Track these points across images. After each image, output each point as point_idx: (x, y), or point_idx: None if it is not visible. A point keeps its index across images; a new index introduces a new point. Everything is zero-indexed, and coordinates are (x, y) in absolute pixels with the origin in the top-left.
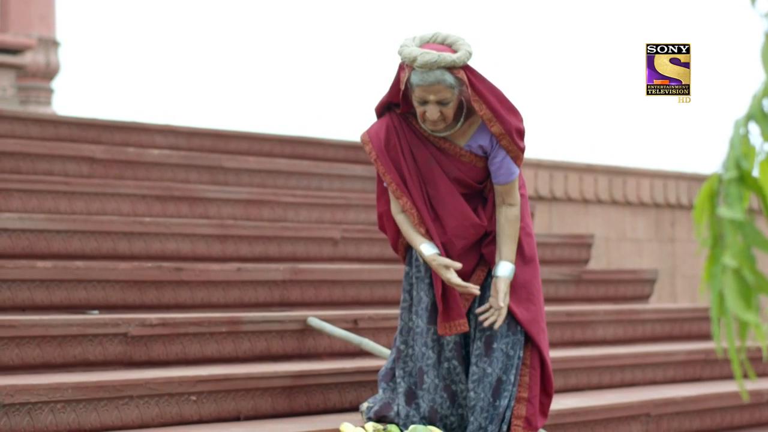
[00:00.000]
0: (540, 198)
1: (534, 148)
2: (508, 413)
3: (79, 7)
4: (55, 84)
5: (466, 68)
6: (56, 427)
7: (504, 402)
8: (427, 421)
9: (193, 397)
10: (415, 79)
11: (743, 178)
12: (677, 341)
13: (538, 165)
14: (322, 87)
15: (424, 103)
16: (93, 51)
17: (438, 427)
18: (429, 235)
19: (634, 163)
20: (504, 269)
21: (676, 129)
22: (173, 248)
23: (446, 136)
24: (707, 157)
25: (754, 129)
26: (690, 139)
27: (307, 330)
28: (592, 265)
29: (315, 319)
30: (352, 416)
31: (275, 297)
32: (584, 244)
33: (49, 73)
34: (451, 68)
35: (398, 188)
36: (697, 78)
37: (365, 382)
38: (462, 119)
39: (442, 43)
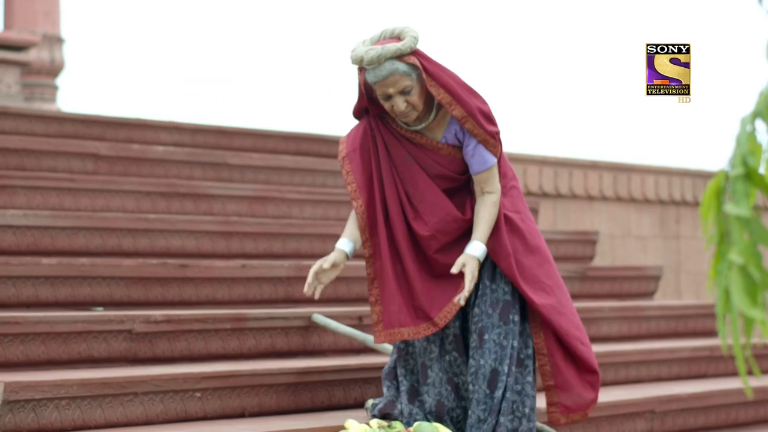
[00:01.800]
0: (545, 195)
1: (538, 145)
2: (505, 405)
3: (83, 4)
4: (60, 81)
5: (417, 54)
6: (61, 424)
7: (499, 393)
8: (434, 416)
9: (198, 394)
10: (370, 77)
11: (750, 175)
12: (682, 338)
13: (543, 162)
14: (327, 83)
15: (388, 97)
16: (97, 48)
17: (445, 420)
18: (366, 245)
19: (638, 159)
20: (473, 248)
21: (680, 126)
22: (178, 245)
23: (421, 131)
24: (712, 153)
25: (760, 126)
26: (694, 136)
27: (311, 327)
28: (597, 261)
29: (320, 315)
30: (357, 413)
31: (280, 294)
32: (589, 240)
33: (53, 69)
34: (399, 57)
35: (357, 188)
36: (700, 75)
37: (370, 379)
38: (434, 110)
39: (390, 37)
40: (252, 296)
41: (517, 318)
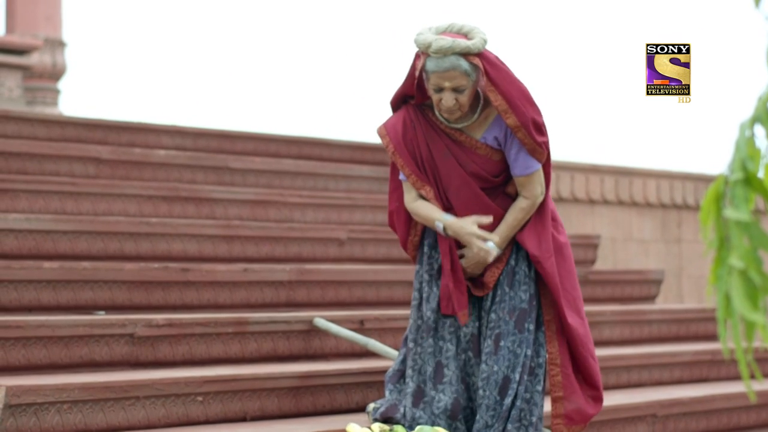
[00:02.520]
0: None
1: None
2: (514, 412)
3: (85, 8)
4: (62, 84)
5: (483, 57)
6: (63, 428)
7: (509, 400)
8: (449, 415)
9: (200, 398)
10: (430, 65)
11: (749, 180)
12: (684, 342)
13: None
14: (329, 87)
15: (440, 90)
16: (99, 51)
17: (459, 419)
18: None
19: (640, 163)
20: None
21: (682, 129)
22: (180, 249)
23: (462, 128)
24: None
25: (759, 131)
26: (696, 140)
27: (313, 330)
28: (599, 265)
29: (321, 319)
30: (359, 417)
31: (281, 297)
32: (591, 244)
33: (55, 73)
34: (466, 54)
35: (419, 179)
36: (701, 76)
37: (371, 383)
38: (478, 110)
39: (458, 33)
40: (254, 300)
41: (532, 327)
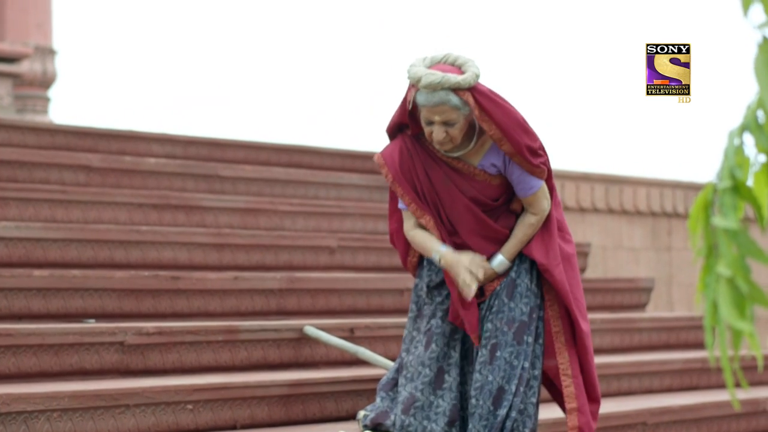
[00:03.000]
0: None
1: None
2: (508, 423)
3: (75, 16)
4: (52, 92)
5: (474, 90)
6: None
7: (503, 411)
8: (447, 421)
9: (190, 406)
10: (420, 99)
11: (738, 188)
12: (674, 350)
13: None
14: (319, 96)
15: (430, 123)
16: (90, 60)
17: (456, 425)
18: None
19: (630, 171)
20: (495, 261)
21: (672, 137)
22: (170, 257)
23: (459, 156)
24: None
25: (748, 140)
26: (687, 148)
27: (303, 339)
28: (589, 273)
29: (311, 327)
30: (349, 425)
31: (272, 306)
32: (581, 252)
33: (45, 81)
34: (456, 89)
35: (419, 207)
36: (695, 85)
37: (362, 391)
38: (475, 138)
39: (452, 65)
40: (244, 308)
41: (531, 339)
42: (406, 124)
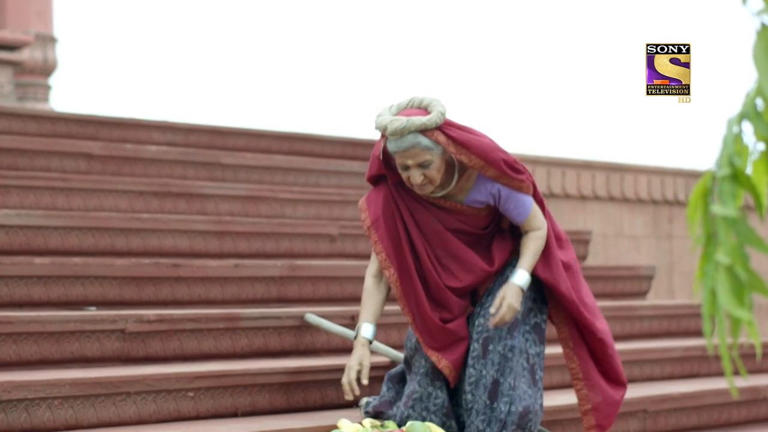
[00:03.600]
0: None
1: (531, 144)
2: (510, 419)
3: (76, 4)
4: (53, 80)
5: (444, 127)
6: (53, 424)
7: (504, 407)
8: (445, 412)
9: (191, 393)
10: (391, 146)
11: (736, 176)
12: (674, 337)
13: (535, 161)
14: (320, 83)
15: (406, 168)
16: (90, 47)
17: (453, 419)
18: (405, 311)
19: (631, 159)
20: (518, 277)
21: (673, 126)
22: (171, 244)
23: (444, 196)
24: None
25: (747, 128)
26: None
27: (304, 326)
28: (590, 261)
29: (312, 315)
30: (350, 412)
31: (273, 293)
32: (582, 240)
33: (46, 69)
34: (423, 131)
35: (387, 258)
36: (695, 74)
37: None
38: (456, 176)
39: (418, 107)
40: (245, 296)
41: (527, 335)
42: (384, 175)
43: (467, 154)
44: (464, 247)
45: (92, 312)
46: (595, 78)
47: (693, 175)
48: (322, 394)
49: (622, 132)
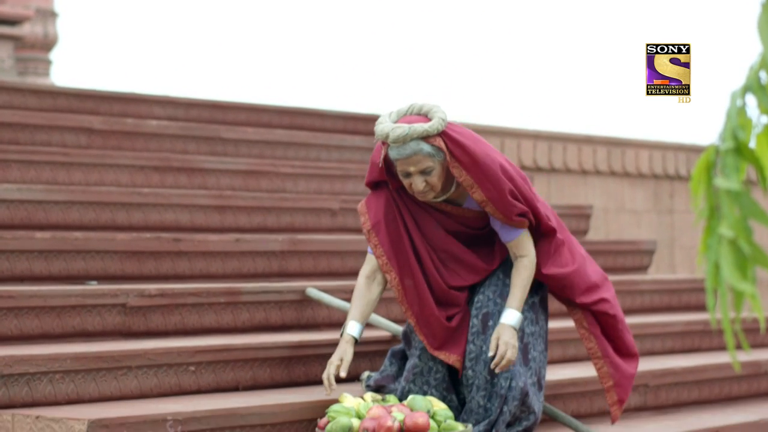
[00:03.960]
0: (539, 169)
1: (532, 119)
2: (511, 394)
3: None
4: (53, 55)
5: (444, 135)
6: (55, 398)
7: (504, 383)
8: (446, 387)
9: (192, 368)
10: (392, 154)
11: (740, 150)
12: (676, 312)
13: (537, 136)
14: (321, 58)
15: (408, 175)
16: (91, 22)
17: (453, 392)
18: (408, 314)
19: (632, 134)
20: (508, 317)
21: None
22: (172, 219)
23: (446, 200)
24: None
25: (751, 101)
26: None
27: (305, 300)
28: (591, 235)
29: (314, 289)
30: (351, 386)
31: (274, 268)
32: (583, 215)
33: (47, 44)
34: (425, 137)
35: (389, 262)
36: (698, 48)
37: (364, 353)
38: (455, 181)
39: (418, 114)
40: (246, 270)
41: (525, 314)
42: (384, 181)
43: (459, 169)
44: (466, 250)
45: (93, 286)
46: (596, 52)
47: (694, 150)
48: (324, 368)
49: (623, 106)
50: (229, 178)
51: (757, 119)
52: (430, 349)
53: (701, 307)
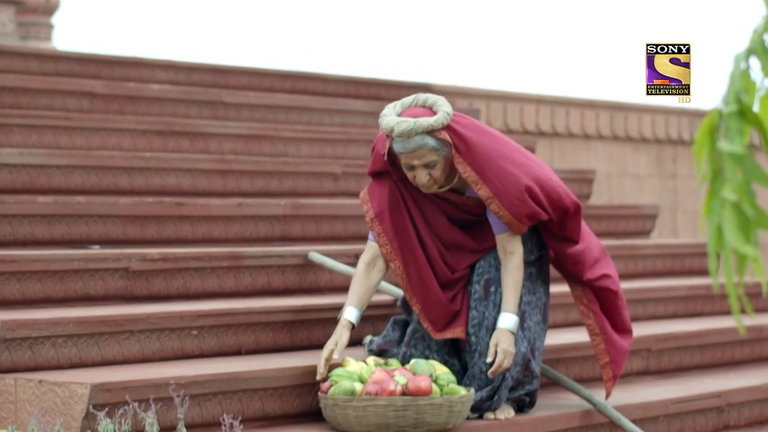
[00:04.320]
0: (541, 134)
1: (535, 83)
2: (514, 360)
3: None
4: (55, 19)
5: (449, 129)
6: (57, 362)
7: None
8: (447, 351)
9: (195, 332)
10: (397, 147)
11: (743, 113)
12: (678, 276)
13: (540, 101)
14: (323, 22)
15: (412, 168)
16: None
17: (454, 357)
18: (413, 301)
19: (635, 98)
20: (505, 321)
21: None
22: (174, 183)
23: (449, 190)
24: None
25: (754, 64)
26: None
27: (308, 265)
28: (594, 200)
29: (316, 253)
30: (354, 351)
31: (276, 232)
32: (585, 179)
33: (48, 8)
34: (430, 132)
35: (393, 251)
36: (702, 12)
37: (366, 317)
38: (458, 173)
39: (423, 106)
40: (248, 234)
41: (525, 283)
42: (387, 171)
43: (463, 165)
44: (469, 238)
45: (96, 250)
46: (599, 17)
47: (697, 115)
48: (326, 332)
49: (625, 70)
50: (231, 142)
51: (761, 82)
52: (434, 333)
53: (704, 272)
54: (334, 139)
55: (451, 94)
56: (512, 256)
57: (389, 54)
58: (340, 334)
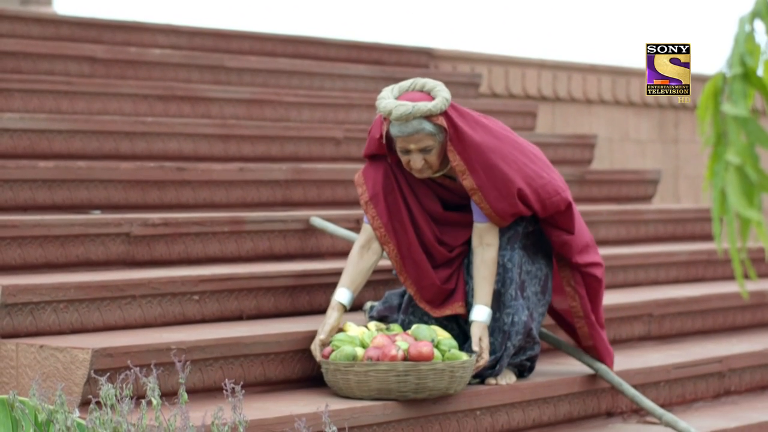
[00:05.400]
0: (543, 98)
1: (537, 47)
2: (514, 329)
3: None
4: None
5: (447, 115)
6: (59, 327)
7: (507, 318)
8: (447, 317)
9: (196, 297)
10: (393, 130)
11: (748, 76)
12: (680, 242)
13: (541, 65)
14: None
15: (407, 152)
16: None
17: (454, 321)
18: (407, 284)
19: (637, 63)
20: (479, 313)
21: (681, 28)
22: (175, 148)
23: (443, 174)
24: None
25: (759, 26)
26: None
27: (309, 230)
28: (595, 165)
29: (318, 218)
30: (355, 316)
31: (278, 197)
32: (587, 144)
33: None
34: (428, 116)
35: (387, 233)
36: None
37: (367, 282)
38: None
39: (421, 91)
40: (250, 199)
41: (525, 248)
42: (383, 154)
43: (453, 154)
44: (461, 215)
45: (97, 215)
46: None
47: (699, 79)
48: (327, 297)
49: (628, 35)
50: (232, 107)
51: (766, 45)
52: (433, 311)
53: (706, 237)
54: (336, 103)
55: (452, 58)
56: (489, 248)
57: (391, 18)
58: (329, 315)
